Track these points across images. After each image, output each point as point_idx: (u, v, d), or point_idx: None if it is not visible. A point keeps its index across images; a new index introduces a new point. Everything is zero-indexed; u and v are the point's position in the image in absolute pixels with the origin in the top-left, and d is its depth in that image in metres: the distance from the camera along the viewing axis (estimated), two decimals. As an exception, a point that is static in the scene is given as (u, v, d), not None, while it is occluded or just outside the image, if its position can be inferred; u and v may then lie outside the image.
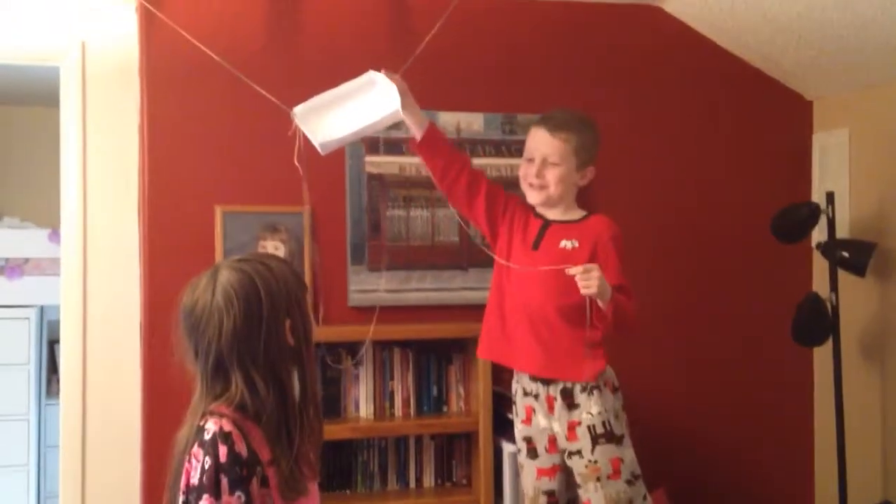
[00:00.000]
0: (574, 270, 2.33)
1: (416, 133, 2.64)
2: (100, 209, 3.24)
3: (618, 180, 3.51)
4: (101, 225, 3.24)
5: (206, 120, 3.14)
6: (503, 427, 3.12)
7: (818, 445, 3.69)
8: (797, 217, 3.37)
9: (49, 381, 4.95)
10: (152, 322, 3.03)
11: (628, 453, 2.51)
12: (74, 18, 3.23)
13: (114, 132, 3.25)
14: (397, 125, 3.04)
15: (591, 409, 2.48)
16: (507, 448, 3.05)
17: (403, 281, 3.29)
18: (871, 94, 3.41)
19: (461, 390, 3.22)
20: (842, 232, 3.42)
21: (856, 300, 3.40)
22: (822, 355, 3.58)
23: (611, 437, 2.47)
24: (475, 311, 3.29)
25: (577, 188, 2.65)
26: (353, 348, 3.14)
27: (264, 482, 1.55)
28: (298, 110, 2.74)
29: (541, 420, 2.59)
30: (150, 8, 3.00)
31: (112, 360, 3.22)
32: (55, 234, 4.42)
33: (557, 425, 2.54)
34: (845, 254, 3.32)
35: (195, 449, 1.54)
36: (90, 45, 3.25)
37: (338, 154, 3.04)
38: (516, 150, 3.39)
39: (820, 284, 3.54)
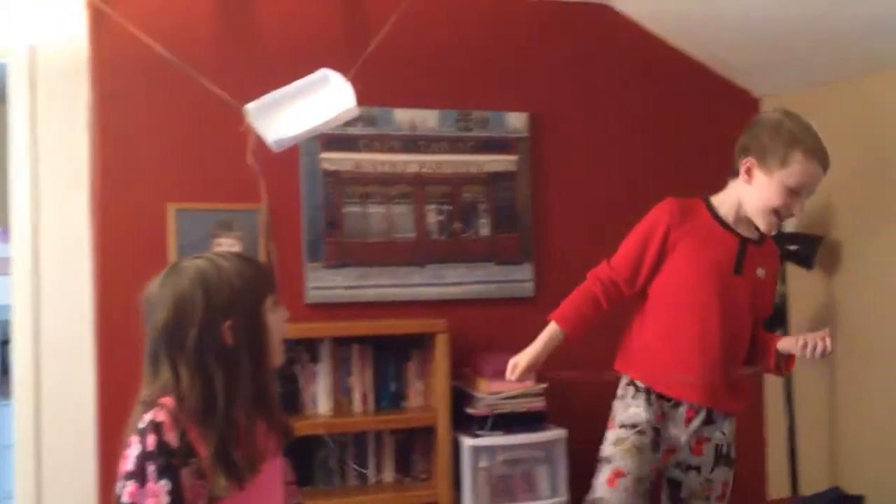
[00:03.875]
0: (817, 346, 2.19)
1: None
2: (51, 207, 3.18)
3: (569, 176, 3.56)
4: (52, 223, 3.18)
5: (157, 117, 3.11)
6: (462, 421, 3.14)
7: (769, 434, 3.77)
8: (746, 211, 3.43)
9: (0, 382, 4.85)
10: (105, 320, 3.00)
11: (731, 478, 2.42)
12: (23, 14, 3.17)
13: (64, 129, 3.19)
14: (353, 121, 3.06)
15: (724, 429, 2.37)
16: (466, 442, 3.07)
17: (361, 277, 3.29)
18: (817, 91, 3.49)
19: (420, 385, 3.23)
20: (789, 226, 3.49)
21: (804, 293, 3.49)
22: (771, 346, 3.65)
23: (728, 461, 2.39)
24: (432, 306, 3.34)
25: None
26: (310, 345, 3.13)
27: (202, 475, 1.57)
28: (251, 107, 2.73)
29: (672, 429, 2.34)
30: (100, 4, 2.96)
31: (65, 358, 3.16)
32: (4, 233, 4.33)
33: (685, 436, 2.34)
34: (793, 247, 3.40)
35: (131, 437, 1.58)
36: (39, 41, 3.19)
37: (292, 151, 3.04)
38: (471, 146, 3.41)
39: (769, 277, 3.61)
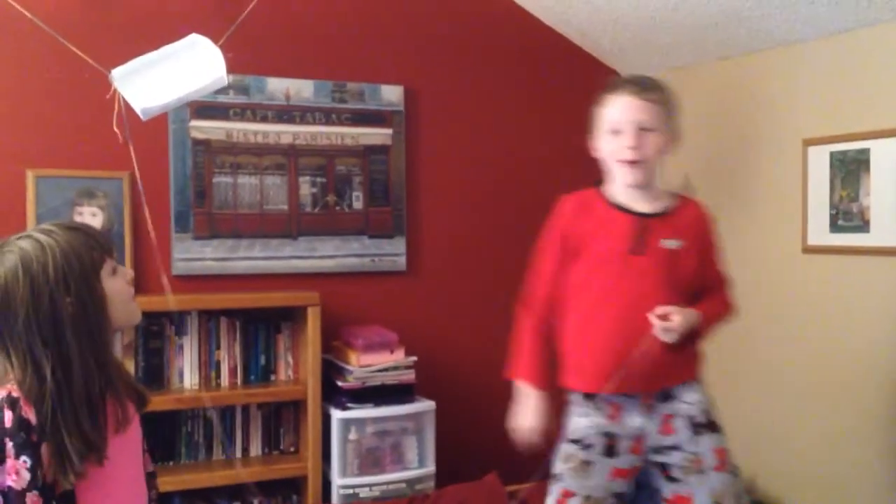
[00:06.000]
0: (653, 321, 2.05)
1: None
2: None
3: (443, 151, 3.60)
4: None
5: (18, 80, 2.96)
6: (331, 394, 3.15)
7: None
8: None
9: None
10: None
11: (724, 442, 2.18)
12: None
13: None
14: (224, 89, 2.99)
15: (687, 398, 2.15)
16: (336, 414, 3.08)
17: (231, 249, 3.24)
18: (680, 73, 3.63)
19: (290, 359, 3.21)
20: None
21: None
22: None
23: (711, 427, 2.15)
24: (304, 279, 3.32)
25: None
26: (176, 318, 3.07)
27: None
28: (117, 73, 2.63)
29: (636, 419, 2.15)
30: (-49, -45, 2.78)
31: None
32: None
33: (652, 423, 2.15)
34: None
35: None
36: None
37: (159, 118, 2.94)
38: (346, 118, 3.40)
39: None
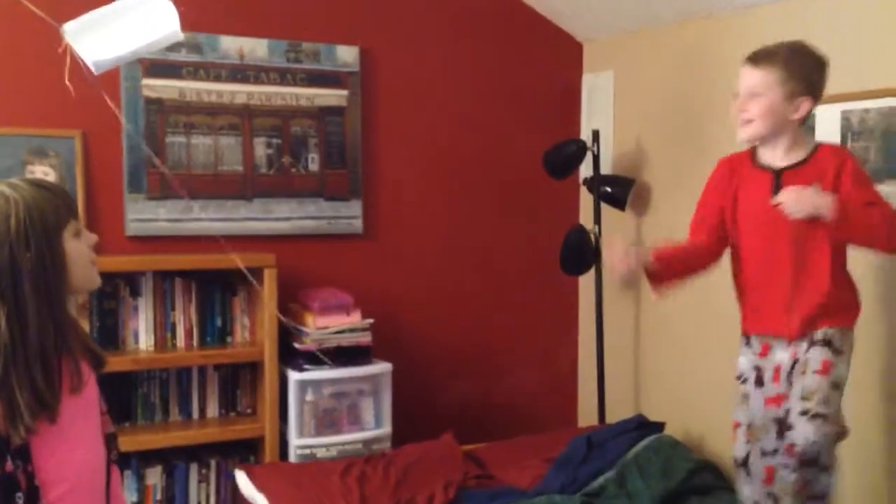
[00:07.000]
0: (778, 199, 2.28)
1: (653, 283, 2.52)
2: None
3: (399, 113, 3.59)
4: None
5: (-40, 32, 2.88)
6: (288, 356, 3.15)
7: (581, 366, 4.01)
8: (566, 153, 3.59)
9: None
10: None
11: (843, 367, 2.36)
12: None
13: None
14: (176, 47, 2.94)
15: (820, 333, 2.37)
16: (293, 376, 3.09)
17: (185, 210, 3.21)
18: (634, 37, 3.67)
19: (246, 321, 3.21)
20: (605, 168, 3.68)
21: (617, 231, 3.69)
22: (586, 283, 3.87)
23: (829, 345, 2.35)
24: (260, 241, 3.30)
25: (794, 122, 2.38)
26: (130, 279, 3.04)
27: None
28: (69, 27, 2.57)
29: (778, 353, 2.45)
30: None
31: None
32: None
33: (787, 354, 2.42)
34: (608, 189, 3.59)
35: None
36: None
37: (111, 76, 2.89)
38: (301, 78, 3.37)
39: (586, 217, 3.80)
